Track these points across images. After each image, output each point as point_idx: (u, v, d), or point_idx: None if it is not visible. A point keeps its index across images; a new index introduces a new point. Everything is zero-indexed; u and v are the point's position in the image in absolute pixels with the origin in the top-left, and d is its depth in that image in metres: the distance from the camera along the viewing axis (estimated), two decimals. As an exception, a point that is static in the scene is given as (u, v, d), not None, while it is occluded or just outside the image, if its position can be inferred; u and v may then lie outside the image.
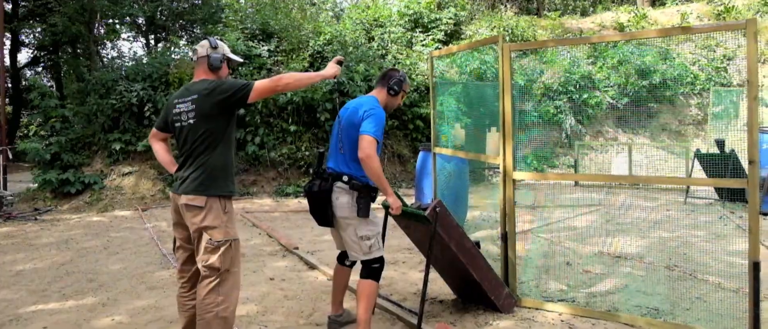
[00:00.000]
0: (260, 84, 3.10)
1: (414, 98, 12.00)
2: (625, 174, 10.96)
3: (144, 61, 11.43)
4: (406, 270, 5.53)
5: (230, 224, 3.24)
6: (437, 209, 3.85)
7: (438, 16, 14.28)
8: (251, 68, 11.10)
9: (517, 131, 12.21)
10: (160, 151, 3.56)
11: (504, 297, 4.24)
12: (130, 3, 18.02)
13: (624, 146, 13.97)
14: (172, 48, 12.38)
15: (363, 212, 3.57)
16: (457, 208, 7.16)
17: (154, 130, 3.58)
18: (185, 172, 3.21)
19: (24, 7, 21.88)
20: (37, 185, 10.29)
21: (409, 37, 13.61)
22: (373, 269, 3.66)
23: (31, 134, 10.78)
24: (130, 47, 28.81)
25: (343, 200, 3.60)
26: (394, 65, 12.09)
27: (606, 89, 14.72)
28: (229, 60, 3.43)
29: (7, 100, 22.04)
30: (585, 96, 14.25)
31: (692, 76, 15.73)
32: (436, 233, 3.87)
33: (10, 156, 10.54)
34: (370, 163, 3.43)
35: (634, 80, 14.58)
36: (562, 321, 4.03)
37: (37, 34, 24.98)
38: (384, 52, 12.62)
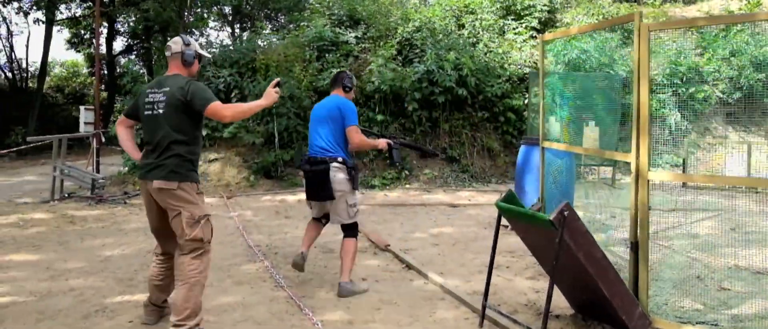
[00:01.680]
0: (215, 106, 3.45)
1: (506, 88, 11.34)
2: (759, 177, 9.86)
3: (231, 48, 11.34)
4: (511, 276, 4.99)
5: (203, 203, 3.59)
6: (565, 213, 3.31)
7: (531, 3, 13.49)
8: (338, 55, 10.79)
9: (618, 126, 11.34)
10: (127, 138, 3.87)
11: (637, 316, 3.63)
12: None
13: (736, 144, 12.75)
14: (258, 35, 12.22)
15: (357, 184, 4.58)
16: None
17: (122, 117, 3.91)
18: (156, 159, 3.49)
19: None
20: (127, 168, 10.40)
21: (501, 24, 12.92)
22: (353, 230, 4.59)
23: (123, 118, 10.90)
24: (217, 36, 29.37)
25: (340, 176, 4.44)
26: (486, 54, 11.47)
27: (715, 82, 13.49)
28: (200, 56, 3.76)
29: (102, 86, 22.94)
30: (692, 90, 13.09)
31: (816, 69, 14.16)
32: (563, 241, 3.33)
33: (104, 140, 10.71)
34: (360, 145, 4.59)
35: (749, 73, 13.25)
36: (710, 350, 3.38)
37: (130, 23, 25.94)
38: (475, 40, 12.00)
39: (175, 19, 14.30)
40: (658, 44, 13.66)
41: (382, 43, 11.22)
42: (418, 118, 10.66)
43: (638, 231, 3.88)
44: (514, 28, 12.88)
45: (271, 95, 3.70)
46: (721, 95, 13.46)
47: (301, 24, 12.15)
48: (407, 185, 10.17)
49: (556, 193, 6.32)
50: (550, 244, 3.46)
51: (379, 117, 10.36)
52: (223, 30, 26.63)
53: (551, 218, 3.30)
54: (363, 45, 11.17)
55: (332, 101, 4.62)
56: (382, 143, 4.76)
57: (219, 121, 3.99)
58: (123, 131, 3.87)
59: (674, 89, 12.98)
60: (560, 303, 4.18)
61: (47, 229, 6.95)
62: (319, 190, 4.46)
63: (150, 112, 3.56)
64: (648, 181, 3.84)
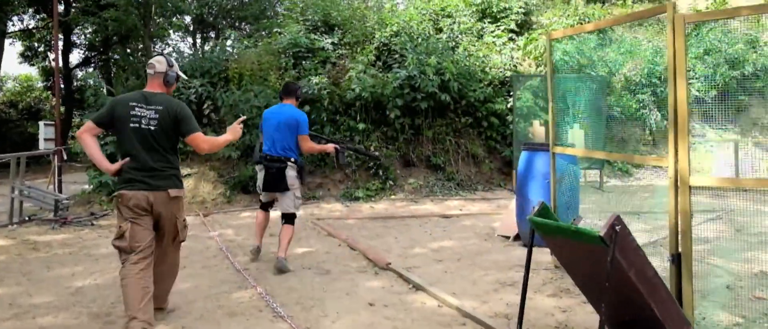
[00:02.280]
0: (198, 137, 3.88)
1: (488, 93, 11.03)
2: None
3: (202, 56, 10.76)
4: (531, 294, 4.58)
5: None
6: (617, 227, 2.94)
7: (507, 6, 13.26)
8: (315, 62, 10.33)
9: (603, 127, 11.16)
10: (95, 146, 3.83)
11: (689, 337, 3.29)
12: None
13: (712, 143, 12.78)
14: (226, 43, 11.59)
15: (304, 180, 5.68)
16: (569, 215, 6.20)
17: (91, 124, 3.85)
18: (160, 171, 3.79)
19: (76, 7, 21.66)
20: (92, 186, 9.72)
21: (479, 27, 12.63)
22: (292, 218, 5.53)
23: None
24: (178, 47, 28.52)
25: (292, 173, 5.45)
26: (466, 57, 11.14)
27: (691, 81, 13.47)
28: (178, 77, 4.08)
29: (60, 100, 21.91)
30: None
31: (786, 66, 14.28)
32: (614, 259, 2.95)
33: (65, 157, 10.02)
34: (309, 149, 5.65)
35: (724, 71, 13.29)
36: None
37: (87, 35, 24.96)
38: (454, 44, 11.67)
39: (139, 27, 13.60)
40: (634, 44, 13.61)
41: (359, 49, 10.80)
42: (400, 125, 10.26)
43: (680, 242, 3.54)
44: (491, 31, 12.61)
45: (236, 131, 4.17)
46: (697, 94, 13.45)
47: (274, 31, 11.64)
48: (392, 196, 9.75)
49: (567, 200, 5.99)
50: (595, 262, 3.09)
51: (361, 126, 9.92)
52: (185, 41, 25.82)
53: (602, 234, 2.92)
54: (340, 51, 10.73)
55: (288, 111, 5.50)
56: (329, 147, 5.76)
57: (195, 149, 4.16)
58: (90, 139, 3.82)
59: (653, 88, 12.90)
60: (590, 322, 3.82)
61: (7, 257, 6.28)
62: (277, 183, 5.42)
63: (137, 125, 3.75)
64: (690, 187, 3.50)
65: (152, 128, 3.74)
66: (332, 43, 10.74)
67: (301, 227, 7.61)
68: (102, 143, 9.63)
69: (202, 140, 3.90)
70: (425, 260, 5.76)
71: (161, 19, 15.48)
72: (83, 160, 10.23)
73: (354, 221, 7.90)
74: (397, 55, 10.76)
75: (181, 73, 4.13)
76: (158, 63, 3.91)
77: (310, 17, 11.16)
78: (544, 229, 3.39)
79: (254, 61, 10.31)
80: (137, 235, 3.70)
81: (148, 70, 3.94)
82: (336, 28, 11.22)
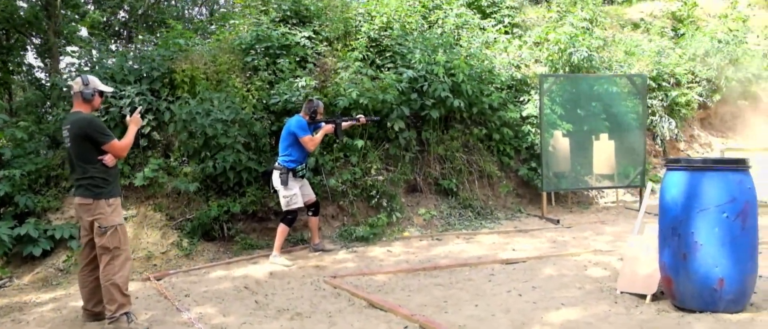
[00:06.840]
0: (112, 145, 4.16)
1: (501, 98, 9.02)
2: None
3: (136, 55, 8.01)
4: None
5: (114, 215, 4.19)
6: None
7: (496, 0, 11.43)
8: (292, 62, 7.88)
9: (644, 137, 9.43)
10: None
11: None
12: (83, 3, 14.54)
13: (721, 152, 11.47)
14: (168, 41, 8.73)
15: (284, 182, 6.19)
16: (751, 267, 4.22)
17: None
18: (76, 181, 4.23)
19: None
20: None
21: (477, 22, 10.63)
22: (286, 218, 6.32)
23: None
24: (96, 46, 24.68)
25: (275, 176, 6.27)
26: (479, 53, 9.06)
27: (690, 85, 12.17)
28: (101, 92, 4.34)
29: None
30: (675, 94, 11.60)
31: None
32: None
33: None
34: (312, 148, 6.39)
35: (730, 74, 12.07)
36: None
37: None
38: (454, 40, 9.54)
39: (42, 19, 10.56)
40: (633, 44, 12.15)
41: (341, 46, 8.50)
42: (405, 141, 7.99)
43: None
44: (491, 27, 10.67)
45: (136, 119, 4.50)
46: (700, 98, 12.16)
47: (231, 22, 9.08)
48: (405, 234, 7.45)
49: (747, 242, 3.99)
50: None
51: (359, 143, 7.57)
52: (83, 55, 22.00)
53: None
54: (318, 48, 8.36)
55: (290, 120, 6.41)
56: (328, 128, 6.45)
57: (115, 156, 4.24)
58: None
59: (663, 92, 11.41)
60: None
61: None
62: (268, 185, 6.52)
63: (65, 143, 4.35)
64: None
65: (68, 144, 4.23)
66: (308, 38, 8.35)
67: (317, 293, 5.15)
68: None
69: (119, 148, 4.22)
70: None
71: (69, 12, 12.35)
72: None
73: (386, 278, 5.52)
74: (389, 53, 8.54)
75: (103, 88, 4.37)
76: (75, 83, 4.25)
77: (275, 5, 8.69)
78: None
79: (208, 61, 7.74)
80: (81, 237, 4.46)
81: (71, 91, 4.39)
82: (310, 20, 8.84)
